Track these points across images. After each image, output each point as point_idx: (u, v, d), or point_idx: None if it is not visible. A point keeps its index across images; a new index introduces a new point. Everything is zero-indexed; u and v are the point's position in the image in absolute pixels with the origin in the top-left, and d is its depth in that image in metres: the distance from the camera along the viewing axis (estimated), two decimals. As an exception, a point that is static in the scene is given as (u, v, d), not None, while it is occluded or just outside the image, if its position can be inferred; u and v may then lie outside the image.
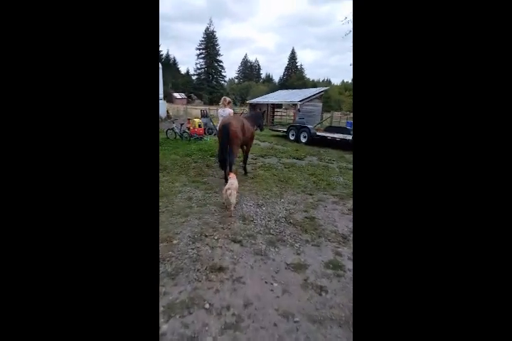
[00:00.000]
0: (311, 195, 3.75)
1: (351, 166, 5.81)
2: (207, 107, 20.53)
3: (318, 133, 8.78)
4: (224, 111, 4.68)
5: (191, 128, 8.62)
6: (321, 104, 15.79)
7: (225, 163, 3.88)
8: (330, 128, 10.12)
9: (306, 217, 2.95)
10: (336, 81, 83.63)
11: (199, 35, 56.06)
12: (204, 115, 10.28)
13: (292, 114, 19.87)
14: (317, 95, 15.36)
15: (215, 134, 9.91)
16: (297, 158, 6.40)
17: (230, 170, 3.85)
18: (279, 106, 18.80)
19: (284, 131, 10.44)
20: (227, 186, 3.04)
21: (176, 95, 43.22)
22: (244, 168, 4.79)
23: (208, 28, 56.32)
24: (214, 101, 47.91)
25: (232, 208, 2.99)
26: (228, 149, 3.86)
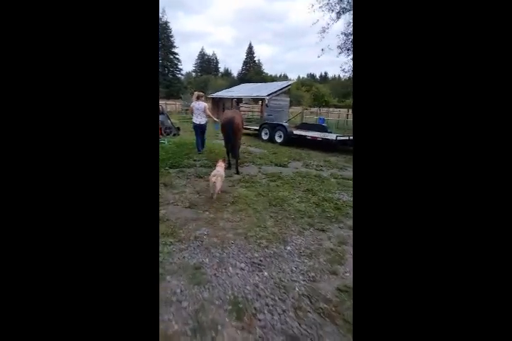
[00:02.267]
0: (323, 230, 2.57)
1: (346, 174, 4.79)
2: (163, 102, 18.33)
3: (295, 132, 7.69)
4: (199, 105, 5.41)
5: (143, 128, 6.92)
6: (288, 99, 14.77)
7: (233, 154, 4.52)
8: (304, 126, 9.13)
9: (340, 289, 1.75)
10: (292, 76, 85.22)
11: (150, 25, 51.85)
12: (160, 112, 8.55)
13: (257, 109, 18.68)
14: (284, 89, 14.30)
15: (174, 134, 8.32)
16: (280, 165, 5.21)
17: (236, 158, 4.50)
18: (246, 100, 17.50)
19: (255, 130, 9.19)
20: (213, 173, 3.24)
21: (128, 89, 39.57)
22: (237, 168, 4.58)
23: (160, 19, 52.32)
24: (171, 95, 44.84)
25: (215, 195, 3.23)
26: (232, 142, 4.41)
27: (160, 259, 1.98)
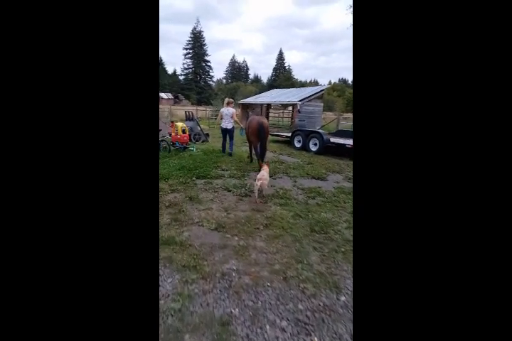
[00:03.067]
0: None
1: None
2: (194, 108, 18.55)
3: (332, 140, 7.07)
4: (228, 110, 5.83)
5: (173, 134, 6.76)
6: (322, 105, 14.10)
7: (262, 157, 4.77)
8: (341, 133, 8.44)
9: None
10: (323, 81, 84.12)
11: (186, 36, 54.04)
12: (189, 118, 8.39)
13: (287, 115, 18.17)
14: (317, 94, 13.69)
15: (203, 141, 8.10)
16: (318, 178, 4.65)
17: (262, 161, 4.51)
18: (275, 106, 17.15)
19: (286, 137, 8.70)
20: (258, 176, 3.30)
21: (163, 95, 41.65)
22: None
23: (195, 28, 54.52)
24: (202, 101, 46.13)
25: (260, 194, 3.36)
26: (264, 144, 4.71)
27: (179, 306, 1.55)
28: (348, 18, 12.55)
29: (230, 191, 3.71)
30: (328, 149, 7.02)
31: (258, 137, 4.68)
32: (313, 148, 7.26)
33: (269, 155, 6.58)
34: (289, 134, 8.54)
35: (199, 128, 8.18)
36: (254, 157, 5.28)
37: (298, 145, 7.85)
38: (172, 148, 6.37)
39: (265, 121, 4.82)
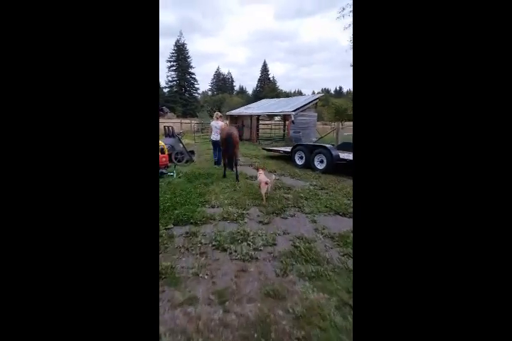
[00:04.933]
0: None
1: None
2: (179, 120, 17.24)
3: (342, 156, 5.92)
4: (217, 124, 6.28)
5: (148, 155, 5.42)
6: (316, 115, 13.19)
7: (230, 165, 5.28)
8: (347, 146, 7.35)
9: None
10: (306, 91, 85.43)
11: (170, 50, 53.25)
12: (169, 134, 7.07)
13: (277, 126, 17.15)
14: (311, 104, 12.77)
15: (187, 161, 6.80)
16: (342, 214, 3.41)
17: (235, 169, 5.14)
18: (262, 117, 16.12)
19: (284, 152, 7.52)
20: (264, 181, 3.70)
21: (145, 109, 40.18)
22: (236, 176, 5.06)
23: (178, 41, 54.04)
24: (188, 113, 45.00)
25: (266, 195, 3.70)
26: (231, 153, 5.12)
27: None
28: (341, 23, 11.96)
29: (225, 250, 2.41)
30: (337, 167, 5.88)
31: (227, 147, 5.03)
32: (320, 166, 6.09)
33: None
34: (288, 149, 7.37)
35: (181, 146, 6.87)
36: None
37: (300, 162, 6.67)
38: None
39: (234, 131, 5.11)
